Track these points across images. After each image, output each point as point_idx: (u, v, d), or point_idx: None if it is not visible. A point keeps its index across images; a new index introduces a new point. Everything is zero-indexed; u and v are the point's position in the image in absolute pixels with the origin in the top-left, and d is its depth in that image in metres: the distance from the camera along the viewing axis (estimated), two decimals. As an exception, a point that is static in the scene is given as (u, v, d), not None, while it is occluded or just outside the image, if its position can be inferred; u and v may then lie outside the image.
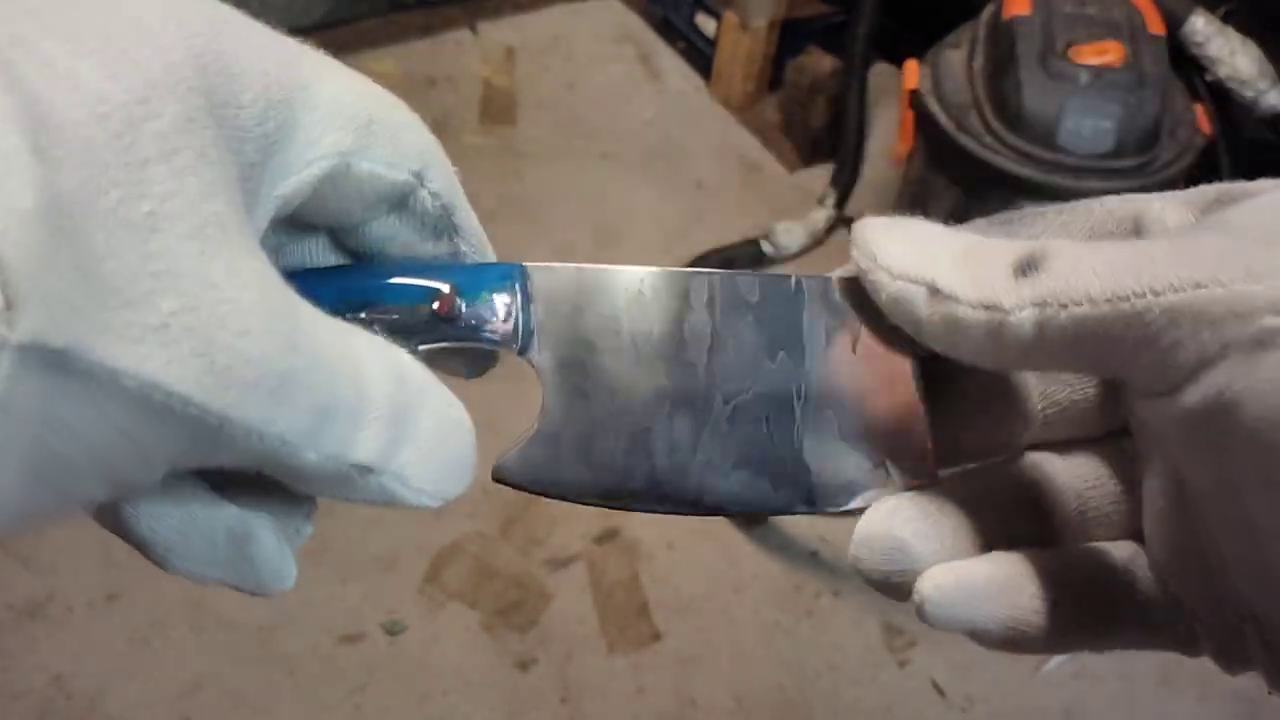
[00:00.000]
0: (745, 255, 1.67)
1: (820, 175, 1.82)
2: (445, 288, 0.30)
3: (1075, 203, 0.34)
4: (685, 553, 1.38)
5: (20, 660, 1.22)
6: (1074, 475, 0.35)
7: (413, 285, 0.30)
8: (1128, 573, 0.32)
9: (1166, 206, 0.32)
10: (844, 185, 1.75)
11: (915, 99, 1.38)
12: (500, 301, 0.31)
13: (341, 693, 1.24)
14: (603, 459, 0.32)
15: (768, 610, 1.34)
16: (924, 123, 1.37)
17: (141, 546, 0.28)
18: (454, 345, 0.31)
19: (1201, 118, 1.35)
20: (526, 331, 0.31)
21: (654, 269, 0.34)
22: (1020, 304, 0.28)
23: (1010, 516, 0.34)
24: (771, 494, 0.33)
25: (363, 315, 0.29)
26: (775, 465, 0.33)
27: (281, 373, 0.23)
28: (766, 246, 1.68)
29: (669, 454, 0.33)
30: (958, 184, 1.36)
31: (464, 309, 0.30)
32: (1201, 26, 1.40)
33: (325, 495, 0.27)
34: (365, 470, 0.26)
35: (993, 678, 1.30)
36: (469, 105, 1.88)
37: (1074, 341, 0.28)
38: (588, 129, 1.88)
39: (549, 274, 0.32)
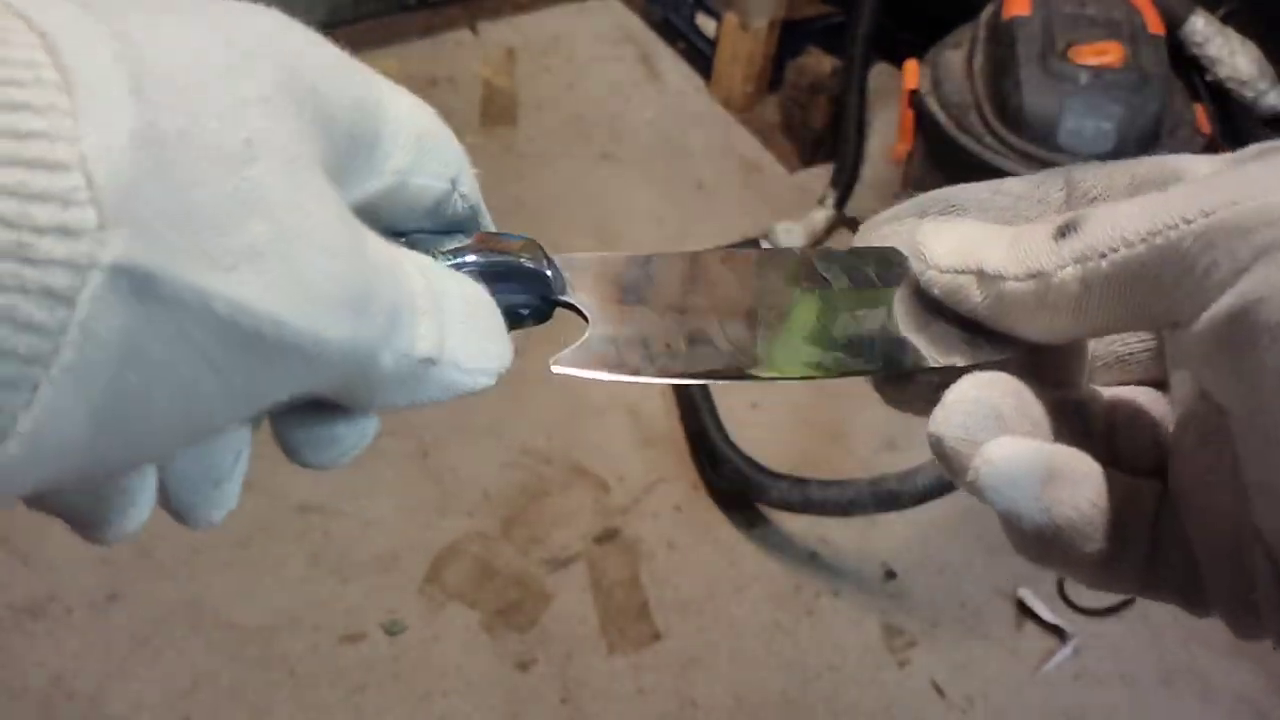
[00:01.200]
0: (745, 255, 1.68)
1: (820, 175, 1.82)
2: (479, 231, 0.32)
3: (1124, 160, 0.34)
4: (685, 553, 1.38)
5: (20, 660, 1.22)
6: (1123, 408, 0.35)
7: (446, 230, 0.31)
8: (1150, 504, 0.32)
9: (1207, 165, 0.32)
10: (844, 185, 1.75)
11: (915, 99, 1.38)
12: (529, 245, 0.32)
13: (341, 693, 1.24)
14: (665, 353, 0.33)
15: (768, 610, 1.34)
16: (924, 123, 1.37)
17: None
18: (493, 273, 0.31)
19: (1201, 118, 1.35)
20: (557, 273, 0.32)
21: (656, 253, 0.34)
22: (1062, 263, 0.29)
23: (1075, 433, 0.34)
24: (864, 364, 0.34)
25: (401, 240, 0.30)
26: (857, 344, 0.34)
27: (362, 288, 0.24)
28: (766, 246, 1.68)
29: (731, 342, 0.33)
30: (957, 184, 1.36)
31: (500, 239, 0.31)
32: (1201, 27, 1.40)
33: (393, 402, 0.27)
34: (429, 364, 0.27)
35: (992, 678, 1.30)
36: (469, 106, 1.88)
37: (1119, 290, 0.28)
38: (588, 129, 1.88)
39: (558, 257, 0.33)
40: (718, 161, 1.86)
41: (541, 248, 0.32)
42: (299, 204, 0.22)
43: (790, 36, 1.89)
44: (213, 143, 0.21)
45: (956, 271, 0.32)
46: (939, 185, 1.24)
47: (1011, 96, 1.29)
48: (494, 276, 0.31)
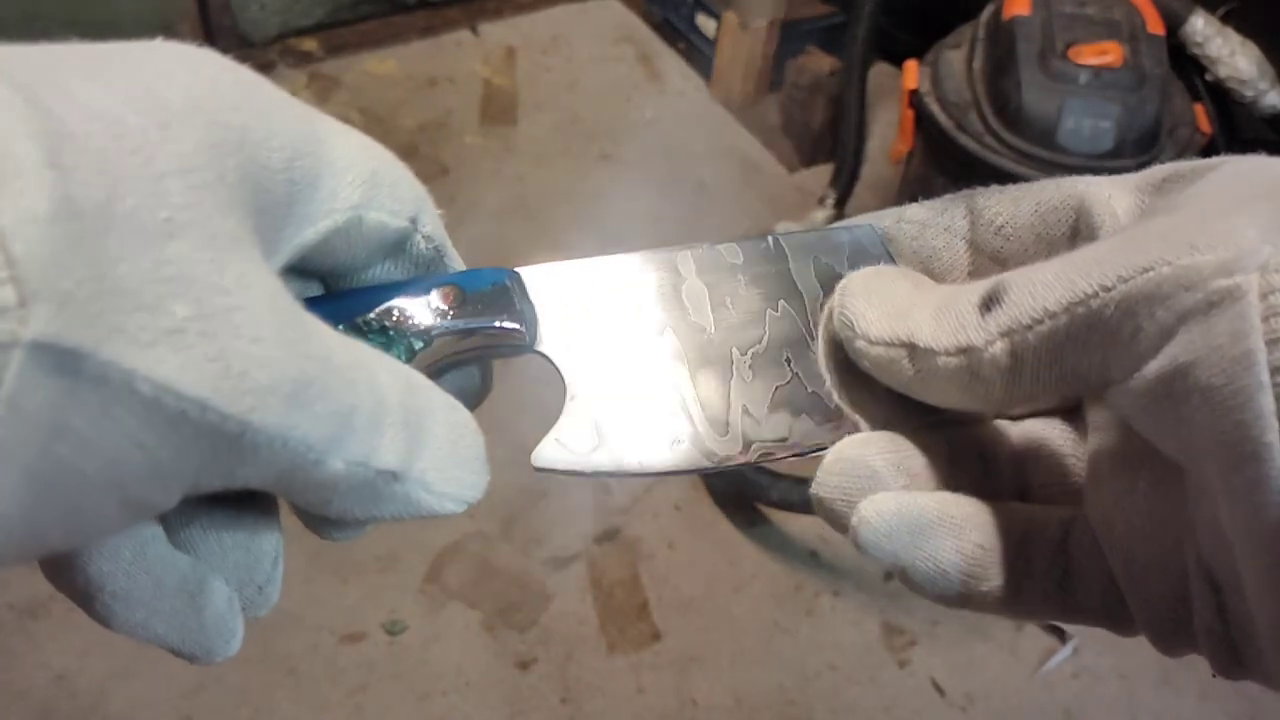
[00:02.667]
0: (745, 255, 1.68)
1: (820, 175, 1.82)
2: (448, 284, 0.31)
3: (1027, 183, 0.35)
4: (685, 552, 1.38)
5: (23, 659, 1.22)
6: (1030, 441, 0.35)
7: (418, 280, 0.31)
8: (1056, 533, 0.33)
9: (1115, 191, 0.32)
10: (844, 185, 1.76)
11: (915, 99, 1.38)
12: (500, 292, 0.31)
13: (342, 692, 1.24)
14: (643, 431, 0.33)
15: (768, 610, 1.34)
16: (924, 123, 1.38)
17: (87, 591, 0.27)
18: (461, 347, 0.31)
19: (1201, 118, 1.35)
20: (531, 320, 0.32)
21: (636, 252, 0.34)
22: (990, 338, 0.29)
23: (972, 472, 0.34)
24: (816, 429, 0.34)
25: (371, 315, 0.29)
26: (811, 400, 0.34)
27: (296, 377, 0.23)
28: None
29: (704, 410, 0.33)
30: (957, 184, 1.34)
31: (468, 296, 0.31)
32: (1201, 27, 1.40)
33: (353, 513, 0.26)
34: (390, 478, 0.26)
35: (992, 677, 1.31)
36: (469, 106, 1.88)
37: (1048, 358, 0.28)
38: (588, 129, 1.88)
39: (539, 271, 0.33)
40: (718, 161, 1.86)
41: (514, 288, 0.32)
42: (221, 284, 0.22)
43: (790, 36, 1.89)
44: (131, 218, 0.21)
45: (887, 344, 0.32)
46: (939, 185, 1.26)
47: (1011, 96, 1.29)
48: (466, 337, 0.31)
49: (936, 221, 0.36)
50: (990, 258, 0.35)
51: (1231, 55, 1.41)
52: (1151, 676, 1.32)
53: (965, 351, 0.30)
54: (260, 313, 0.23)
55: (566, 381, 0.32)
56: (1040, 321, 0.28)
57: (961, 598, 0.32)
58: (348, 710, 1.23)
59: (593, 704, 1.25)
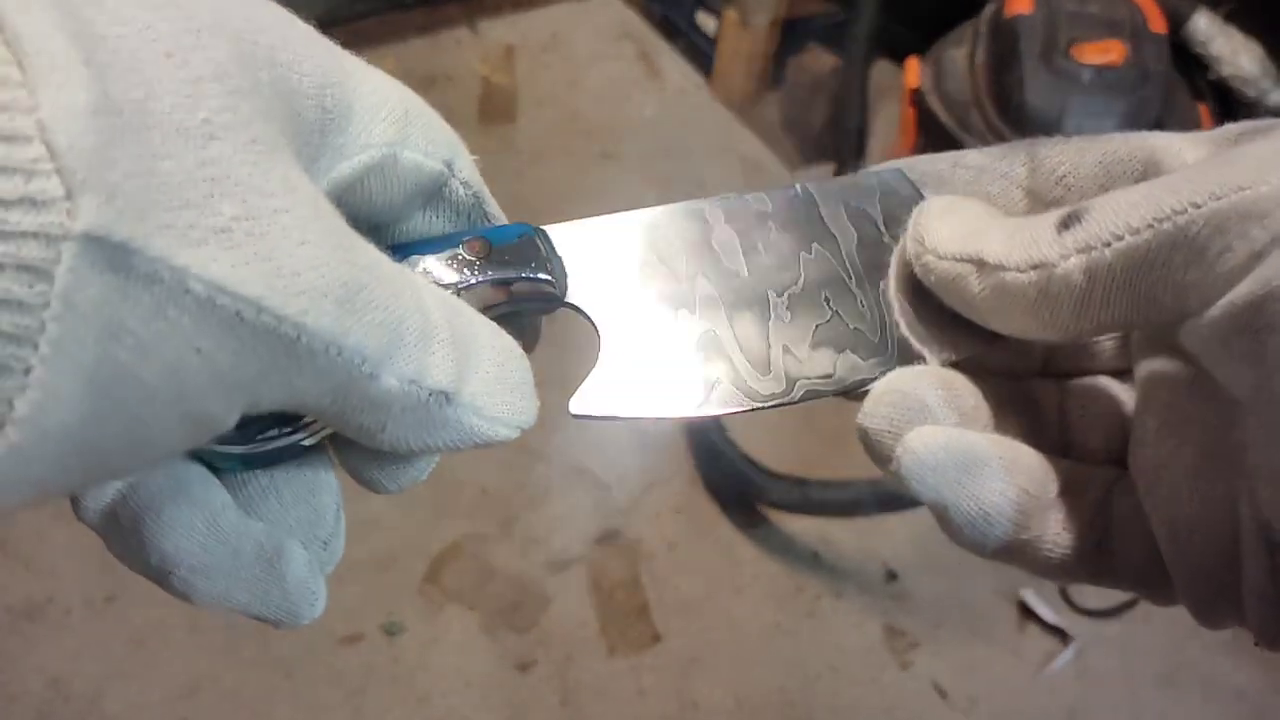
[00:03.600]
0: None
1: (821, 174, 1.81)
2: (475, 237, 0.30)
3: (1092, 135, 0.33)
4: (686, 554, 1.38)
5: (19, 662, 1.21)
6: (1079, 398, 0.34)
7: (447, 237, 0.30)
8: (1100, 491, 0.32)
9: (1186, 145, 0.31)
10: (845, 184, 1.75)
11: (917, 97, 1.38)
12: (528, 244, 0.31)
13: (340, 694, 1.23)
14: (679, 372, 0.32)
15: (769, 611, 1.34)
16: (925, 121, 1.37)
17: (163, 567, 0.26)
18: (492, 301, 0.30)
19: (1204, 117, 1.34)
20: (560, 272, 0.32)
21: (661, 206, 0.34)
22: (1065, 253, 0.28)
23: (1020, 425, 0.33)
24: (861, 364, 0.33)
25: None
26: (854, 337, 0.33)
27: (346, 281, 0.22)
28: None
29: (744, 351, 0.32)
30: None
31: (494, 249, 0.30)
32: (1204, 25, 1.40)
33: (407, 441, 0.26)
34: (442, 399, 0.25)
35: (995, 679, 1.30)
36: (469, 104, 1.88)
37: (1124, 280, 0.27)
38: (588, 127, 1.88)
39: (565, 228, 0.33)
40: (718, 160, 1.86)
41: (540, 242, 0.32)
42: (264, 188, 0.21)
43: (791, 34, 1.89)
44: (170, 117, 0.20)
45: (955, 259, 0.31)
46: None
47: (1014, 95, 1.28)
48: (496, 289, 0.30)
49: (994, 168, 0.35)
50: (1048, 207, 0.34)
51: (1234, 54, 1.40)
52: (1154, 678, 1.31)
53: (1037, 267, 0.28)
54: (306, 216, 0.22)
55: (600, 330, 0.32)
56: (1120, 238, 0.27)
57: (1000, 545, 0.31)
58: (346, 712, 1.22)
59: (593, 706, 1.25)
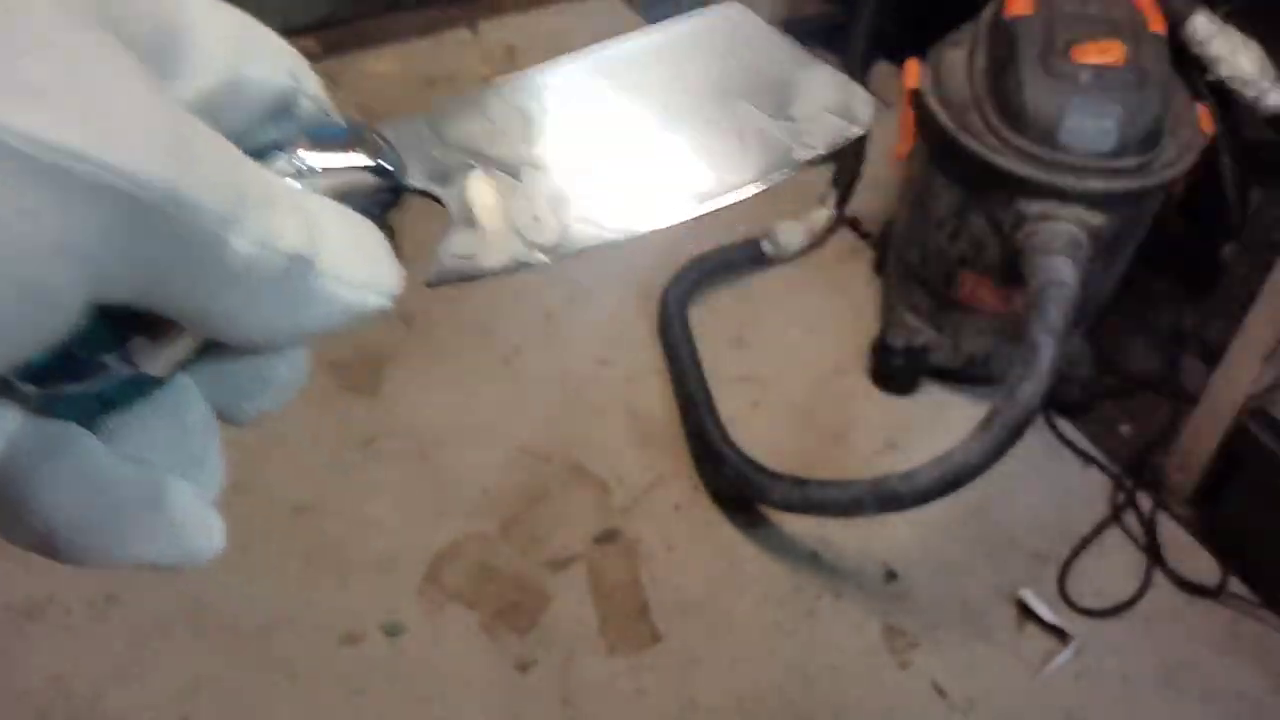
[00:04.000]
0: (745, 255, 1.67)
1: (821, 174, 1.81)
2: (300, 138, 0.29)
3: None
4: (685, 554, 1.38)
5: (19, 661, 1.21)
6: None
7: (272, 147, 0.29)
8: None
9: None
10: (844, 185, 1.75)
11: (916, 98, 1.38)
12: (355, 136, 0.30)
13: (341, 694, 1.23)
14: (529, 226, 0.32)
15: (769, 611, 1.34)
16: (925, 122, 1.37)
17: (45, 532, 0.25)
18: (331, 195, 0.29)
19: (1203, 117, 1.34)
20: (395, 161, 0.30)
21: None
22: None
23: None
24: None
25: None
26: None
27: (177, 134, 0.21)
28: (767, 246, 1.68)
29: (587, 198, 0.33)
30: (959, 183, 1.36)
31: (322, 143, 0.29)
32: (1203, 26, 1.40)
33: (277, 323, 0.24)
34: (304, 265, 0.24)
35: (994, 679, 1.30)
36: (469, 105, 1.88)
37: None
38: (588, 129, 1.88)
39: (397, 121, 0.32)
40: (718, 161, 1.86)
41: (365, 132, 0.30)
42: (81, 49, 0.20)
43: (791, 35, 1.89)
44: None
45: None
46: (940, 185, 1.26)
47: (1013, 95, 1.28)
48: (331, 183, 0.29)
49: None
50: None
51: (1233, 54, 1.41)
52: (1153, 678, 1.32)
53: None
54: (125, 70, 0.21)
55: (447, 206, 0.31)
56: None
57: None
58: (346, 712, 1.22)
59: (593, 706, 1.25)
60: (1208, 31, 1.40)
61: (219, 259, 0.22)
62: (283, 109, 0.28)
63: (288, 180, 0.26)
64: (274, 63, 0.27)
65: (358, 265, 0.25)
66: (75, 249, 0.20)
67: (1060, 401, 1.51)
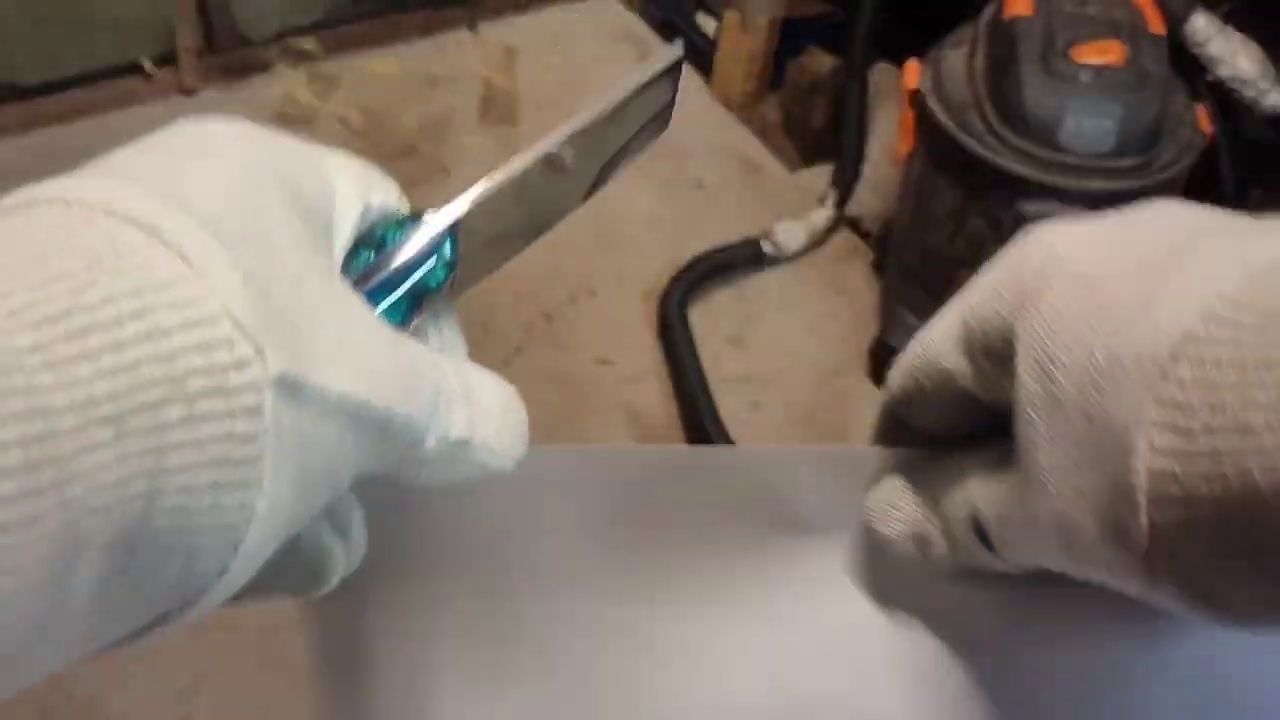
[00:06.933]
0: (745, 255, 1.67)
1: (820, 175, 1.82)
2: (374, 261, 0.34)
3: (913, 378, 0.36)
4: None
5: (20, 661, 1.22)
6: None
7: (376, 272, 0.33)
8: None
9: (967, 371, 0.35)
10: (844, 185, 1.75)
11: (916, 99, 1.38)
12: (415, 241, 0.34)
13: (342, 693, 1.23)
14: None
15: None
16: (925, 122, 1.37)
17: (327, 562, 0.32)
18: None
19: (1203, 117, 1.35)
20: (453, 250, 0.35)
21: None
22: (998, 565, 0.35)
23: None
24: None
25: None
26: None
27: (405, 370, 0.29)
28: (767, 246, 1.68)
29: None
30: (958, 184, 1.36)
31: (391, 260, 0.34)
32: (1203, 26, 1.40)
33: (436, 479, 0.32)
34: (463, 446, 0.31)
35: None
36: (469, 105, 1.88)
37: None
38: (588, 129, 1.88)
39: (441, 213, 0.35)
40: (718, 161, 1.86)
41: (417, 231, 0.34)
42: (339, 310, 0.28)
43: (790, 35, 1.89)
44: (276, 271, 0.26)
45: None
46: (940, 185, 1.25)
47: (1012, 96, 1.28)
48: (413, 294, 0.33)
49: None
50: None
51: (1233, 55, 1.41)
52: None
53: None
54: (367, 324, 0.29)
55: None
56: None
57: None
58: (347, 711, 1.22)
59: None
60: (1207, 32, 1.40)
61: (413, 454, 0.30)
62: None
63: (454, 361, 0.33)
64: (384, 188, 0.34)
65: (503, 439, 0.33)
66: (356, 461, 0.28)
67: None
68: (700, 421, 1.41)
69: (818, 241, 1.73)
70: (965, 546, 0.34)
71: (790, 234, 1.69)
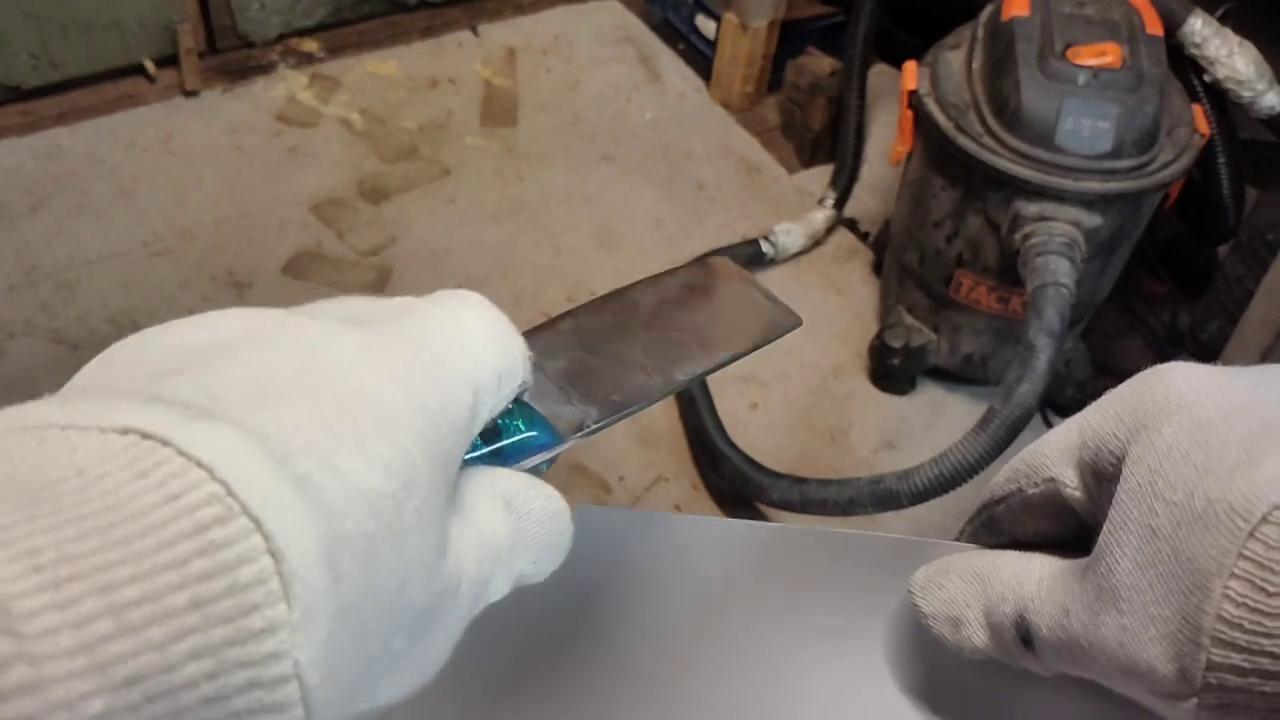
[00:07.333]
0: (745, 255, 1.68)
1: (820, 176, 1.82)
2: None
3: (1016, 481, 0.37)
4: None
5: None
6: None
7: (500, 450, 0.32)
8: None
9: (1075, 483, 0.35)
10: (843, 186, 1.76)
11: (914, 100, 1.38)
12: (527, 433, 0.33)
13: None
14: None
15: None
16: (923, 123, 1.38)
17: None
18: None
19: (1199, 118, 1.35)
20: (552, 427, 0.33)
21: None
22: (1031, 665, 0.35)
23: None
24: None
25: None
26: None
27: (464, 620, 0.28)
28: (766, 247, 1.68)
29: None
30: (956, 184, 1.36)
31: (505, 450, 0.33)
32: (1199, 27, 1.41)
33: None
34: (501, 591, 0.30)
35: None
36: (470, 107, 1.89)
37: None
38: (588, 130, 1.89)
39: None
40: (718, 162, 1.87)
41: (526, 412, 0.33)
42: (434, 571, 0.26)
43: (790, 37, 1.90)
44: (382, 595, 0.24)
45: (938, 623, 0.38)
46: (938, 186, 1.26)
47: (1010, 97, 1.29)
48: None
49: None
50: None
51: (1230, 56, 1.41)
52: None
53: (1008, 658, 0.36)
54: (456, 614, 0.28)
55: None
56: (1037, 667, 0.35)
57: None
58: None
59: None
60: (1204, 33, 1.41)
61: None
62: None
63: (518, 483, 0.31)
64: (508, 391, 0.31)
65: (541, 565, 0.31)
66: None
67: (1057, 401, 1.51)
68: (700, 421, 1.42)
69: (817, 242, 1.73)
70: (1005, 644, 0.35)
71: (790, 234, 1.70)
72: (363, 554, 0.22)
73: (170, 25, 1.75)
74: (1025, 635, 0.34)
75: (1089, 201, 1.27)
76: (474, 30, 2.03)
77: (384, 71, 1.91)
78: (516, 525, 0.30)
